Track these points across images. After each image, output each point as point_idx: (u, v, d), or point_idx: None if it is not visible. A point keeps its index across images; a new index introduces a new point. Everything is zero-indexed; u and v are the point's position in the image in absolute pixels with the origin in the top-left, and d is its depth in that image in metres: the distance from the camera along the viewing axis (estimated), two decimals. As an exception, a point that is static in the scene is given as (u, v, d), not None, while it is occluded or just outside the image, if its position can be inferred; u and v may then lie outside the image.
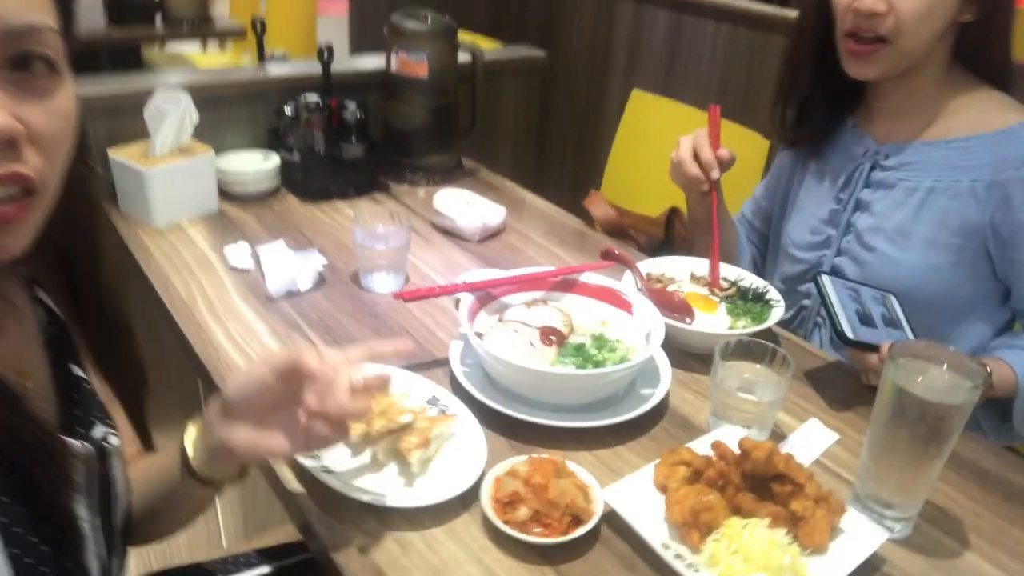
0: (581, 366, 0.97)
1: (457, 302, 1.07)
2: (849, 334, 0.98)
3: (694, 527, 0.74)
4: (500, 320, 1.06)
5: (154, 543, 0.87)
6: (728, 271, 1.26)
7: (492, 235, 1.51)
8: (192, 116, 1.45)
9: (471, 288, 1.06)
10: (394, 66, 1.69)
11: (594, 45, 3.61)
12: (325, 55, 1.58)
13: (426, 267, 1.38)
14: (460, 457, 0.87)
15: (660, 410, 1.00)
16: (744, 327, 1.13)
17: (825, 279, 1.06)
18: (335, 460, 0.86)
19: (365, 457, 0.87)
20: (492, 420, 0.94)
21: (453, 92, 1.76)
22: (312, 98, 1.59)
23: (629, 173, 2.17)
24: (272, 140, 1.68)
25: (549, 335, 1.02)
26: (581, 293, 1.12)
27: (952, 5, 1.06)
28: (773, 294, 1.18)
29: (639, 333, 1.05)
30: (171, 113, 1.44)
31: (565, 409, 0.95)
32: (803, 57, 1.22)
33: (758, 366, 0.97)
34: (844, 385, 1.09)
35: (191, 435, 0.75)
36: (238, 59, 3.87)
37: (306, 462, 0.84)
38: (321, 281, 1.28)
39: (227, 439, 0.69)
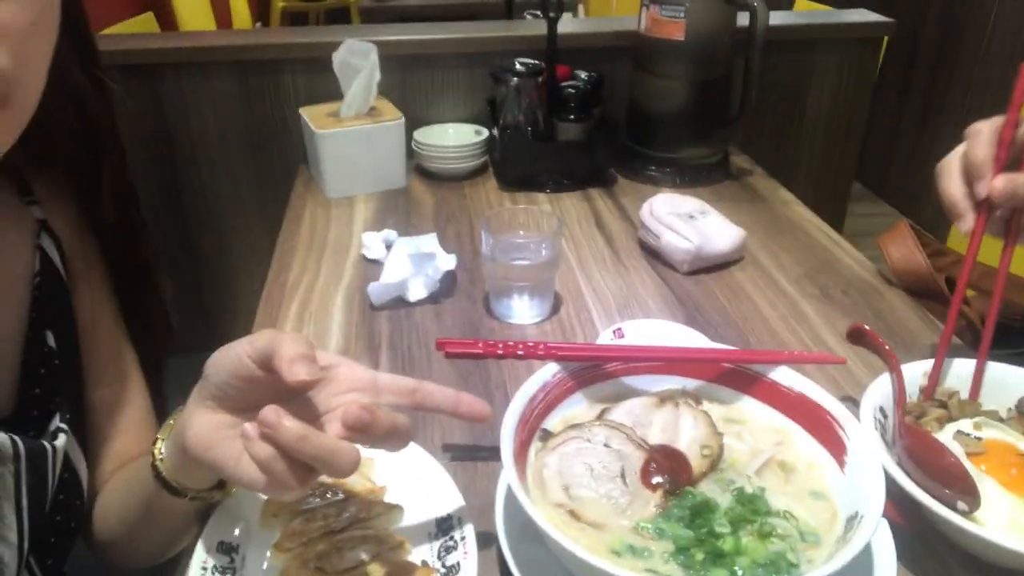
0: (681, 550, 0.51)
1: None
2: None
3: None
4: (600, 417, 0.64)
5: (137, 567, 0.70)
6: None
7: (713, 266, 1.04)
8: (377, 74, 1.24)
9: (570, 356, 0.65)
10: (643, 25, 1.29)
11: (1013, 21, 2.68)
12: (551, 10, 1.24)
13: (593, 296, 0.99)
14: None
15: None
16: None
17: None
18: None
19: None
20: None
21: (725, 63, 1.30)
22: (526, 62, 1.27)
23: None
24: (491, 113, 1.42)
25: (659, 471, 0.57)
26: (767, 400, 0.64)
27: None
28: None
29: (841, 508, 0.55)
30: (362, 68, 1.25)
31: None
32: None
33: None
34: None
35: (167, 427, 0.56)
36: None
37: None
38: (446, 291, 0.98)
39: (184, 429, 0.50)
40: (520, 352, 0.65)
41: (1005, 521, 0.58)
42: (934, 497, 0.56)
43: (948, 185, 0.68)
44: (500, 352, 0.64)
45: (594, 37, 1.41)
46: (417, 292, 0.95)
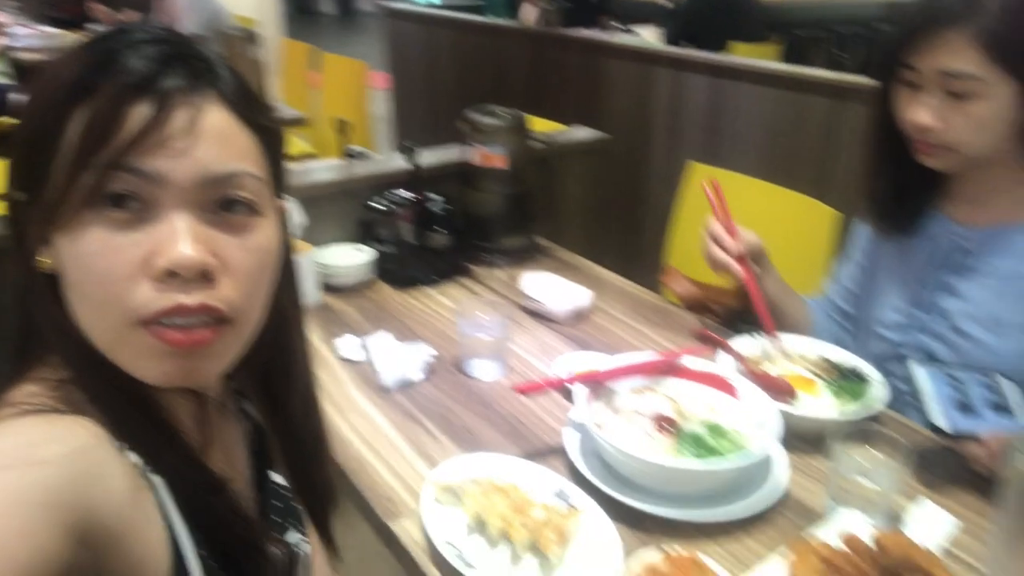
0: (701, 457, 1.02)
1: (567, 391, 1.12)
2: (944, 427, 0.99)
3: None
4: (611, 409, 1.11)
5: None
6: (823, 348, 1.30)
7: (581, 316, 1.57)
8: (296, 217, 1.56)
9: (583, 379, 1.12)
10: (474, 159, 1.80)
11: (633, 114, 3.70)
12: (412, 153, 1.69)
13: (522, 351, 1.44)
14: (594, 551, 0.92)
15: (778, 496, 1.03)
16: (848, 407, 1.16)
17: (917, 369, 1.09)
18: (473, 553, 0.91)
19: (503, 551, 0.92)
20: (615, 511, 0.99)
21: (529, 178, 1.86)
22: (404, 193, 1.69)
23: (695, 246, 2.23)
24: (360, 233, 1.79)
25: (663, 424, 1.06)
26: (684, 378, 1.17)
27: (1013, 107, 1.06)
28: (868, 370, 1.22)
29: (749, 419, 1.09)
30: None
31: (686, 499, 0.99)
32: (882, 144, 1.26)
33: (873, 451, 1.01)
34: (951, 465, 1.09)
35: None
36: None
37: (446, 553, 0.89)
38: (430, 370, 1.36)
39: None
40: (559, 382, 1.09)
41: (811, 408, 1.18)
42: (778, 402, 1.14)
43: (718, 256, 1.32)
44: (556, 384, 1.08)
45: (429, 168, 1.87)
46: (417, 372, 1.32)
